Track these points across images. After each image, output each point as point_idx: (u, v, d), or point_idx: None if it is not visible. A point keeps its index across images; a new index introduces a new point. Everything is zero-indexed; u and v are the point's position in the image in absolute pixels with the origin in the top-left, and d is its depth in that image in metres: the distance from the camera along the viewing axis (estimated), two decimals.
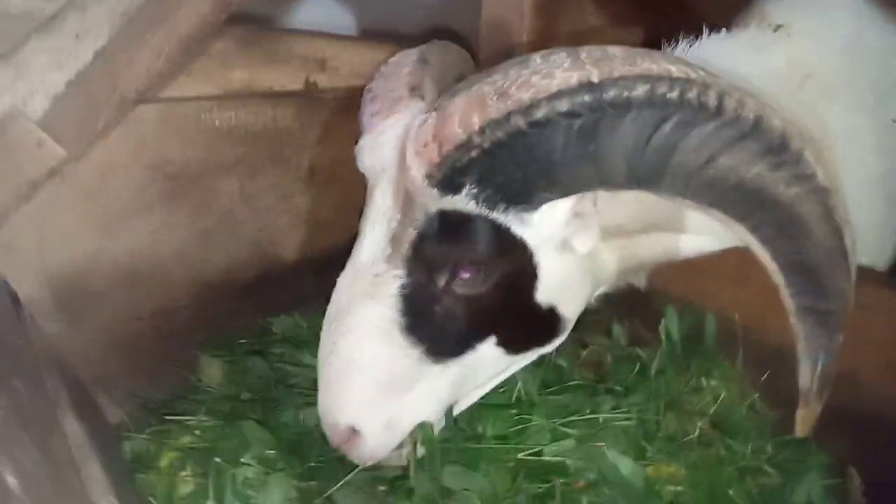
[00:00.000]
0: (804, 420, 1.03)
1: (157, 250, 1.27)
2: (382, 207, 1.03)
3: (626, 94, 0.82)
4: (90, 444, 0.91)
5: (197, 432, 1.13)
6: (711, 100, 0.82)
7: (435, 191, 0.93)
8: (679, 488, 1.13)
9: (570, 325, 1.16)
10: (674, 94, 0.82)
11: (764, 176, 0.85)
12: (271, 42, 1.37)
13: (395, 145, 1.03)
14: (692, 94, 0.82)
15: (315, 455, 1.13)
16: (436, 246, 0.98)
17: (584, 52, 0.86)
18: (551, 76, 0.84)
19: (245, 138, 1.31)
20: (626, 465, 1.14)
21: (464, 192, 0.93)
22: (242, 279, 1.40)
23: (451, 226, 0.96)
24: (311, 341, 1.44)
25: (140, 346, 1.29)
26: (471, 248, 0.98)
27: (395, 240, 1.00)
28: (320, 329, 1.45)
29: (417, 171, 0.93)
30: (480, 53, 1.77)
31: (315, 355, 1.37)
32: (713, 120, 0.83)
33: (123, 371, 1.28)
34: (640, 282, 1.39)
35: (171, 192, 1.24)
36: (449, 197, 0.94)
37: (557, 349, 1.23)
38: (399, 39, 2.05)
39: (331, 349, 1.02)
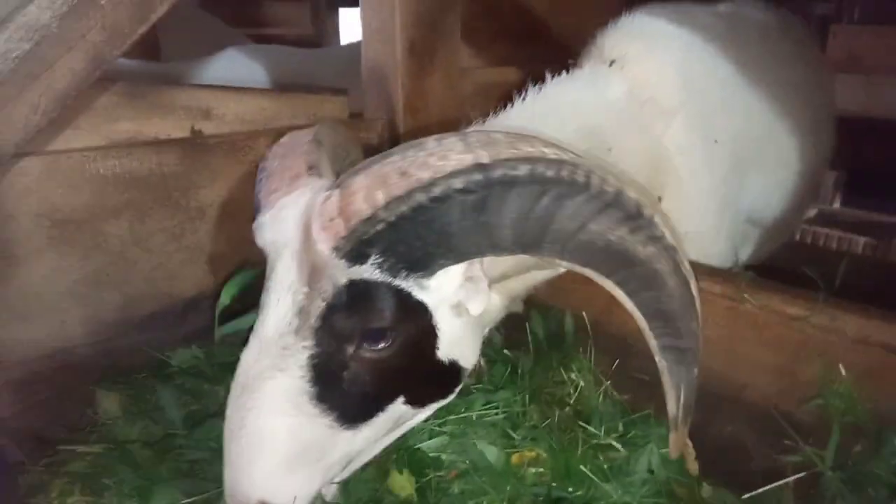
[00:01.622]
0: (675, 443, 1.15)
1: (50, 292, 1.35)
2: (286, 281, 1.04)
3: (511, 172, 0.94)
4: None
5: (88, 458, 1.20)
6: (580, 177, 0.96)
7: (342, 262, 0.99)
8: (540, 469, 1.27)
9: (468, 373, 1.23)
10: (550, 173, 0.95)
11: (626, 238, 1.00)
12: (156, 95, 1.49)
13: (298, 221, 1.06)
14: (565, 173, 0.96)
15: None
16: (344, 315, 1.02)
17: (473, 137, 0.99)
18: (446, 158, 0.95)
19: (131, 184, 1.41)
20: (491, 454, 1.27)
21: (369, 262, 0.99)
22: (138, 316, 1.49)
23: (357, 295, 1.02)
24: (209, 372, 1.53)
25: (37, 385, 1.35)
26: (377, 314, 1.03)
27: (302, 312, 1.02)
28: (218, 360, 1.56)
29: (325, 244, 0.99)
30: (365, 98, 1.93)
31: (214, 384, 1.48)
32: (582, 193, 0.97)
33: (22, 411, 1.34)
34: (518, 307, 1.51)
35: (60, 238, 1.33)
36: (356, 267, 1.00)
37: None
38: (281, 88, 2.20)
39: (239, 424, 1.01)
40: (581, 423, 1.33)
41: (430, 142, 1.00)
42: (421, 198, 0.95)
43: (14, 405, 1.32)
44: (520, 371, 1.46)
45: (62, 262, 1.35)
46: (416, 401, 1.16)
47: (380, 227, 0.96)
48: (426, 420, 1.30)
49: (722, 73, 1.77)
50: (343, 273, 1.00)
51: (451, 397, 1.24)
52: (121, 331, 1.46)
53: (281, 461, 1.02)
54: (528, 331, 1.52)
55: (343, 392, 1.05)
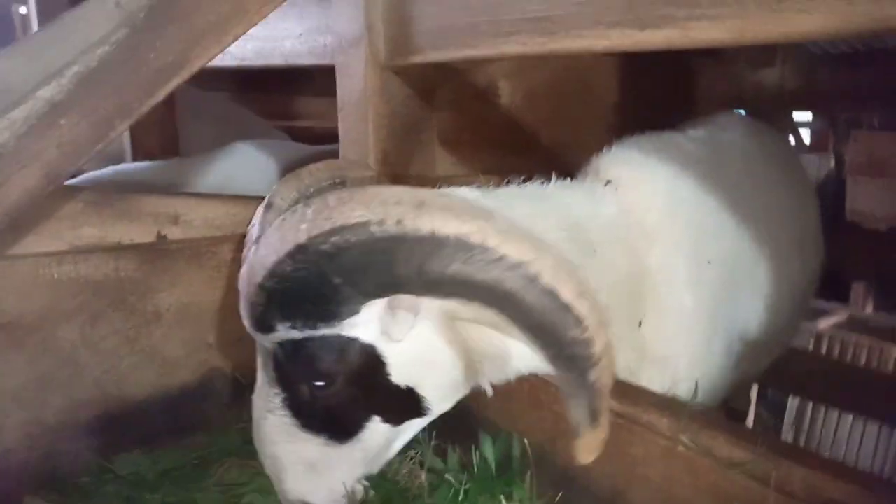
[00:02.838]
0: (584, 447, 1.10)
1: None
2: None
3: (322, 248, 1.00)
4: None
5: None
6: (391, 228, 0.99)
7: (259, 334, 1.16)
8: None
9: (440, 403, 1.31)
10: (355, 238, 0.99)
11: (466, 268, 1.01)
12: (123, 202, 1.55)
13: None
14: (374, 229, 0.99)
15: None
16: (288, 367, 1.19)
17: (311, 208, 1.04)
18: (287, 232, 1.04)
19: (85, 289, 1.45)
20: None
21: (278, 328, 1.10)
22: (84, 420, 1.48)
23: (290, 352, 1.16)
24: (151, 479, 1.50)
25: None
26: (312, 363, 1.16)
27: (265, 366, 1.24)
28: (166, 466, 1.54)
29: (245, 320, 1.16)
30: None
31: (153, 492, 1.45)
32: (403, 241, 1.00)
33: None
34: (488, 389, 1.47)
35: (6, 342, 1.36)
36: (271, 335, 1.13)
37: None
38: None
39: (261, 451, 1.29)
40: None
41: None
42: (282, 269, 1.04)
43: None
44: (460, 498, 1.39)
45: (6, 367, 1.37)
46: (392, 420, 1.27)
47: (265, 297, 1.08)
48: None
49: (709, 198, 1.80)
50: (266, 341, 1.17)
51: (430, 417, 1.32)
52: (63, 435, 1.45)
53: (298, 474, 1.25)
54: (478, 455, 1.45)
55: (321, 419, 1.22)
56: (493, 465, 1.44)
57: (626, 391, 1.32)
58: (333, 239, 0.99)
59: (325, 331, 1.12)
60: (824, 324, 4.18)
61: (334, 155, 3.23)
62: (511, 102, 2.27)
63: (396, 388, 1.23)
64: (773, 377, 2.93)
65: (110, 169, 2.59)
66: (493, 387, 1.46)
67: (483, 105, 2.19)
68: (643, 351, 1.55)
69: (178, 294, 1.61)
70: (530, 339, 1.07)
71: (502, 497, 1.35)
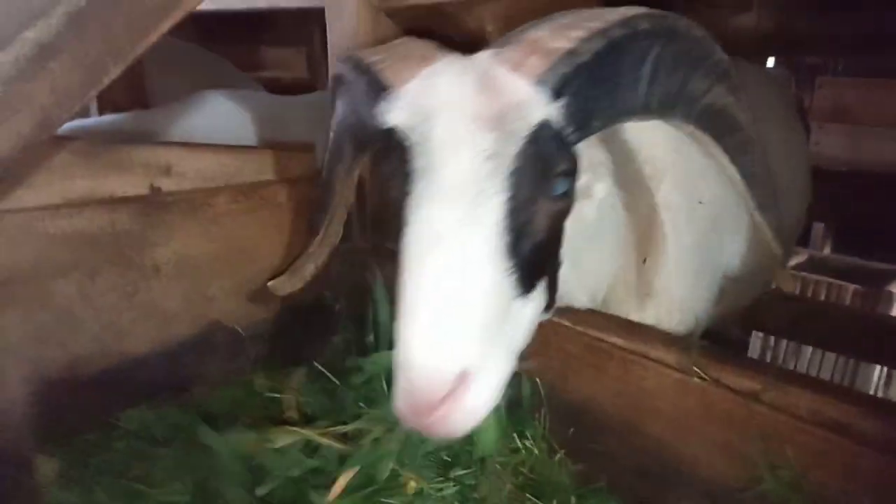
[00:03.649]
0: (784, 277, 1.21)
1: None
2: (457, 134, 1.01)
3: (676, 24, 1.09)
4: None
5: None
6: (709, 45, 1.15)
7: (543, 96, 0.99)
8: None
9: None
10: (699, 33, 1.12)
11: (733, 105, 1.17)
12: (113, 152, 1.48)
13: (459, 81, 1.06)
14: (701, 35, 1.13)
15: None
16: (538, 157, 1.01)
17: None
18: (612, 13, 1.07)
19: (81, 243, 1.40)
20: None
21: (561, 101, 1.00)
22: (84, 374, 1.45)
23: (548, 137, 1.01)
24: (159, 434, 1.49)
25: None
26: (564, 159, 1.04)
27: (492, 157, 0.99)
28: (170, 420, 1.52)
29: (525, 80, 1.00)
30: None
31: (163, 446, 1.44)
32: (708, 59, 1.14)
33: None
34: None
35: (1, 297, 1.31)
36: (552, 104, 1.00)
37: None
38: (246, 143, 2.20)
39: (431, 286, 0.93)
40: (531, 496, 1.28)
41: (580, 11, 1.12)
42: (616, 33, 1.02)
43: None
44: (474, 438, 1.42)
45: (2, 321, 1.32)
46: (549, 295, 1.16)
47: (581, 59, 1.00)
48: None
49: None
50: (540, 110, 1.00)
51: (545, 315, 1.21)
52: (65, 389, 1.42)
53: (479, 325, 0.94)
54: None
55: (525, 250, 1.01)
56: (502, 407, 1.48)
57: (634, 329, 1.36)
58: (682, 22, 1.08)
59: (572, 136, 1.03)
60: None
61: (314, 105, 3.14)
62: None
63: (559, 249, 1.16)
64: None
65: (74, 123, 2.46)
66: None
67: (474, 49, 2.15)
68: (647, 286, 1.59)
69: (175, 247, 1.57)
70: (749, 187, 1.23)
71: (515, 436, 1.39)
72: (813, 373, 4.03)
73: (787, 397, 1.09)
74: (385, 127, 1.09)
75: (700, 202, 1.76)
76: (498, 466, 1.34)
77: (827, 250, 5.09)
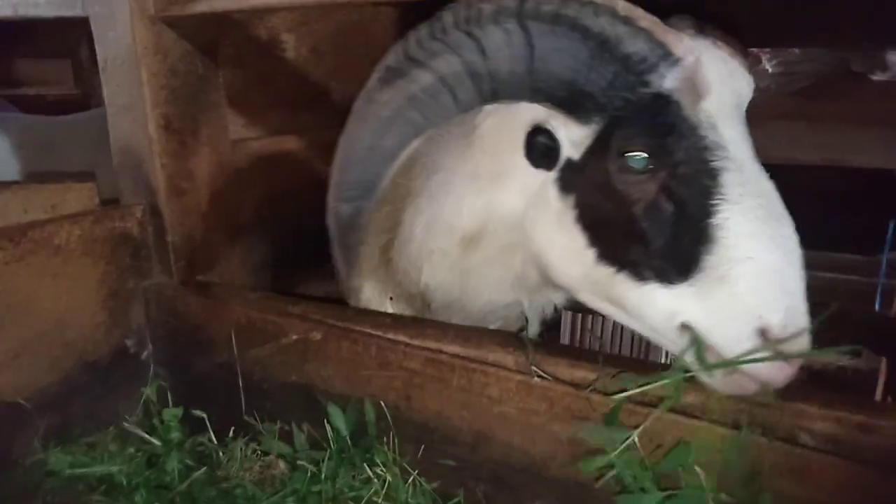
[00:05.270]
0: None
1: None
2: (731, 117, 1.19)
3: None
4: None
5: None
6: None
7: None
8: None
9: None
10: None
11: None
12: None
13: (724, 64, 1.22)
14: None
15: None
16: None
17: None
18: None
19: None
20: None
21: None
22: None
23: None
24: None
25: None
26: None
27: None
28: None
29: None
30: (119, 182, 1.69)
31: None
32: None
33: None
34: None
35: None
36: None
37: None
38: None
39: (796, 258, 1.09)
40: None
41: None
42: None
43: None
44: (322, 476, 1.33)
45: None
46: None
47: None
48: None
49: None
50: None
51: None
52: None
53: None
54: (329, 428, 1.39)
55: None
56: (347, 436, 1.40)
57: (468, 335, 1.35)
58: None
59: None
60: None
61: (79, 124, 2.76)
62: (297, 57, 2.13)
63: None
64: None
65: None
66: (337, 355, 1.41)
67: (267, 61, 2.02)
68: None
69: None
70: None
71: (365, 465, 1.32)
72: (616, 339, 4.45)
73: (623, 381, 1.15)
74: (656, 91, 1.14)
75: None
76: (350, 502, 1.26)
77: None
